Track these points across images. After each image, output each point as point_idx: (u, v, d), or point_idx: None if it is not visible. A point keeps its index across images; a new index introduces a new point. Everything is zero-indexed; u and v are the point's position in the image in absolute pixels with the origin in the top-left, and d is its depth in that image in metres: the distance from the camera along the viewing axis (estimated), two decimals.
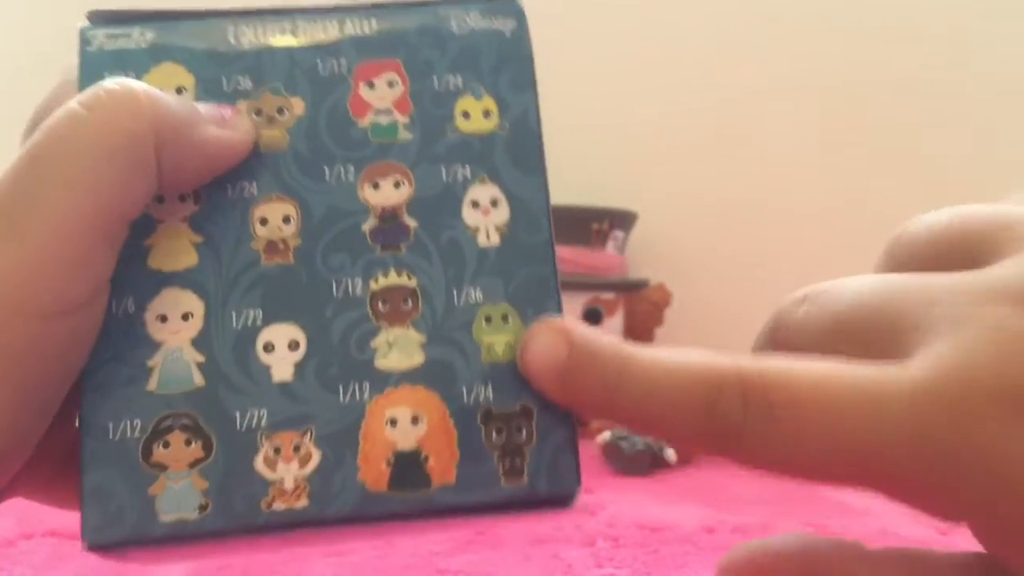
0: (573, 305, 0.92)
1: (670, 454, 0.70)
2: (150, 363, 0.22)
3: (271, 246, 0.23)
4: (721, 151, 1.06)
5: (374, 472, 0.22)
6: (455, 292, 0.23)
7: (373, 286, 0.23)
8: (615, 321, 0.94)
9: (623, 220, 0.97)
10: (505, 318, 0.23)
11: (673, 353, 0.20)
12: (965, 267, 0.20)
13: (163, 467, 0.21)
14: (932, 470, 0.17)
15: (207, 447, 0.22)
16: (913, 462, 0.17)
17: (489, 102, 0.24)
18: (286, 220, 0.23)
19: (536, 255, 0.24)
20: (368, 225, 0.23)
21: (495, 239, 0.24)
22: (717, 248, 1.06)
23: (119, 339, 0.22)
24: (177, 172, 0.22)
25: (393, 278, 0.23)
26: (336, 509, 0.21)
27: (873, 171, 1.05)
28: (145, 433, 0.22)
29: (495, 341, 0.23)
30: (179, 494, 0.21)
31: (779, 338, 0.22)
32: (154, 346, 0.22)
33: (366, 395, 0.22)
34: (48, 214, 0.20)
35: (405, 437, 0.22)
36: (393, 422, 0.22)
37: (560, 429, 0.22)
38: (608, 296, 0.93)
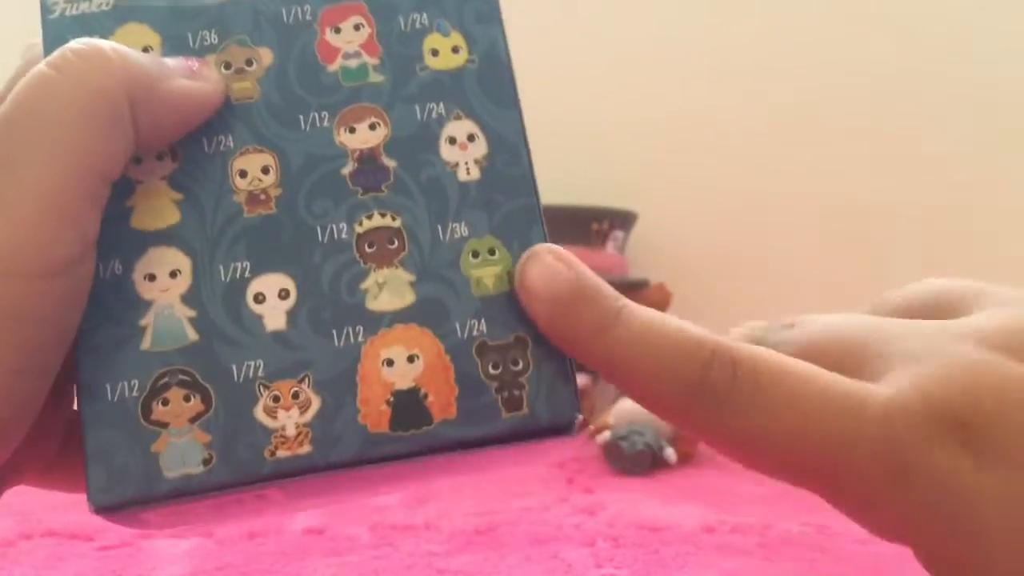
0: None
1: (670, 454, 0.70)
2: (142, 322, 0.22)
3: (252, 197, 0.23)
4: (721, 151, 1.06)
5: (375, 413, 0.22)
6: (440, 229, 0.23)
7: (358, 229, 0.23)
8: None
9: (623, 220, 0.97)
10: (492, 251, 0.23)
11: (671, 317, 0.21)
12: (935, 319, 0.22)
13: (164, 424, 0.21)
14: (888, 476, 0.18)
15: (206, 401, 0.22)
16: (874, 466, 0.18)
17: (457, 37, 0.24)
18: (265, 171, 0.23)
19: (518, 186, 0.24)
20: (347, 169, 0.23)
21: (475, 173, 0.24)
22: (717, 248, 1.06)
23: (109, 301, 0.22)
24: (152, 128, 0.22)
25: (377, 220, 0.23)
26: (340, 453, 0.21)
27: (874, 171, 1.05)
28: (143, 392, 0.22)
29: (484, 274, 0.23)
30: (182, 449, 0.21)
31: None
32: (145, 305, 0.22)
33: (360, 337, 0.22)
34: (31, 178, 0.20)
35: (403, 376, 0.22)
36: (389, 362, 0.22)
37: (555, 358, 0.22)
38: None
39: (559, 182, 1.05)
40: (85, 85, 0.21)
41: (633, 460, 0.68)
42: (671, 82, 1.07)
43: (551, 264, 0.22)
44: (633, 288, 0.96)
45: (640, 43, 1.07)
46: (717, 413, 0.20)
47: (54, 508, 0.52)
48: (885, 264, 1.05)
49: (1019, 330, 0.20)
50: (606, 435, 0.71)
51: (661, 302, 0.97)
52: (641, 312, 0.21)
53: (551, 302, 0.21)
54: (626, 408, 0.74)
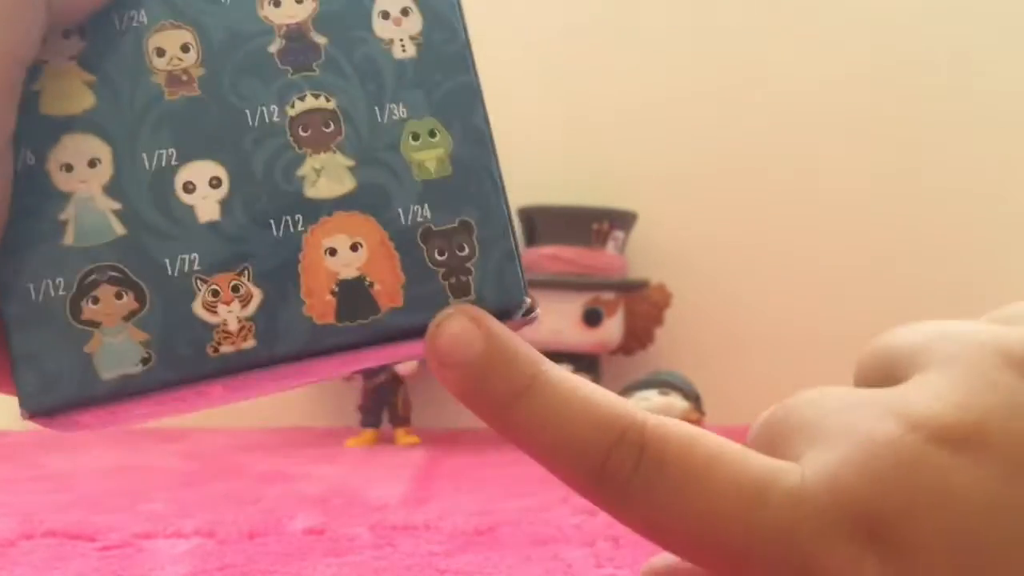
0: (573, 305, 0.92)
1: None
2: (62, 216, 0.21)
3: (173, 78, 0.22)
4: (722, 151, 1.06)
5: (320, 304, 0.21)
6: (377, 110, 0.22)
7: (290, 111, 0.22)
8: (615, 321, 0.94)
9: (623, 220, 0.97)
10: (432, 132, 0.22)
11: (587, 386, 0.20)
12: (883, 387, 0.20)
13: (96, 323, 0.20)
14: (789, 571, 0.17)
15: (140, 298, 0.21)
16: (775, 558, 0.17)
17: None
18: (185, 48, 0.22)
19: (456, 63, 0.22)
20: (275, 46, 0.22)
21: (411, 51, 0.22)
22: (717, 248, 1.06)
23: (24, 196, 0.21)
24: (63, 4, 0.20)
25: (311, 101, 0.22)
26: (286, 346, 0.21)
27: (874, 173, 1.05)
28: (71, 290, 0.20)
29: (425, 158, 0.22)
30: (118, 349, 0.20)
31: None
32: (63, 198, 0.21)
33: (300, 227, 0.21)
34: None
35: (346, 265, 0.21)
36: (332, 251, 0.21)
37: (501, 241, 0.22)
38: (608, 296, 0.93)
39: (559, 182, 1.05)
40: None
41: None
42: (672, 83, 1.07)
43: (463, 327, 0.20)
44: (633, 288, 0.96)
45: (641, 43, 1.07)
46: (619, 498, 0.19)
47: (55, 508, 0.52)
48: (886, 264, 1.05)
49: (952, 403, 0.17)
50: None
51: (661, 302, 0.97)
52: (558, 382, 0.19)
53: (461, 368, 0.20)
54: None
